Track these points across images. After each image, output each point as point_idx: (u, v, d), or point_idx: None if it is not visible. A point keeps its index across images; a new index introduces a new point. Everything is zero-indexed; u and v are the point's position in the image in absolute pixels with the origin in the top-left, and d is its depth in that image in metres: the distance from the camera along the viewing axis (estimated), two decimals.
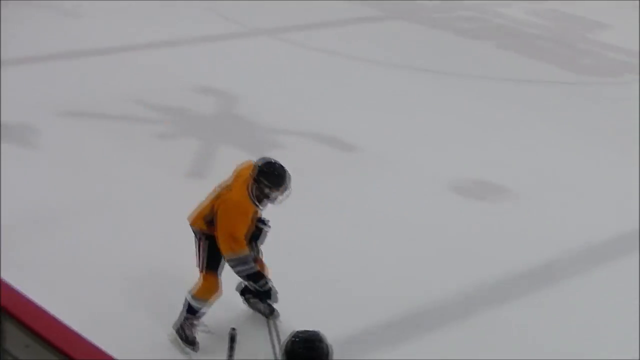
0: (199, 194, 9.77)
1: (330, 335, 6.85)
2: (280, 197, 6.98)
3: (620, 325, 8.05)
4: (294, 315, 7.46)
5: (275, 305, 7.47)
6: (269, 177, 6.93)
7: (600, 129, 12.62)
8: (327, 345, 4.54)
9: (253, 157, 10.69)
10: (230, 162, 10.62)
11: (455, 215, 9.85)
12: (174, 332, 7.29)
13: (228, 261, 6.93)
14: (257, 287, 7.07)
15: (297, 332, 4.56)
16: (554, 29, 17.86)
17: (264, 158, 7.14)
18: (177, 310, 7.32)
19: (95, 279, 8.15)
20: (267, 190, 6.91)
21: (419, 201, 10.08)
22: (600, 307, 8.32)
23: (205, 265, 7.11)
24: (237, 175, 7.14)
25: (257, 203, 6.98)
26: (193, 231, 7.19)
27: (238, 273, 7.01)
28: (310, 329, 4.65)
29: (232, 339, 5.35)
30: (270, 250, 8.58)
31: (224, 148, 11.13)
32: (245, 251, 6.92)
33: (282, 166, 7.04)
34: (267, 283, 7.05)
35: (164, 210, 9.39)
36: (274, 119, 12.08)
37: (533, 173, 11.01)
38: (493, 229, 9.60)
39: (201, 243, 7.11)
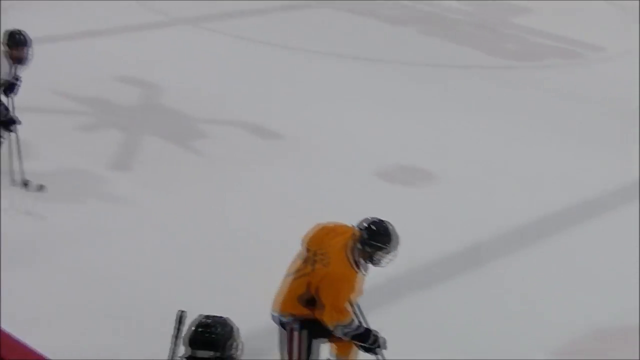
0: (124, 186, 9.69)
1: (253, 329, 6.84)
2: (388, 258, 6.26)
3: (547, 307, 8.08)
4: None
5: None
6: (382, 239, 6.15)
7: (525, 112, 12.68)
8: (230, 331, 4.44)
9: (178, 147, 10.75)
10: (155, 152, 10.61)
11: (383, 200, 9.80)
12: None
13: (333, 329, 6.25)
14: (366, 346, 6.36)
15: (202, 316, 4.46)
16: (476, 14, 17.94)
17: (368, 219, 6.31)
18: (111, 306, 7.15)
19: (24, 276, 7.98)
20: (378, 253, 6.18)
21: (346, 188, 10.02)
22: (528, 289, 8.34)
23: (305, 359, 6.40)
24: (327, 244, 6.32)
25: (359, 269, 6.30)
26: (281, 322, 6.32)
27: (344, 335, 6.32)
28: (218, 315, 4.52)
29: (180, 320, 5.07)
30: (196, 242, 8.54)
31: (148, 138, 10.99)
32: (350, 316, 6.28)
33: (390, 223, 6.28)
34: (376, 339, 6.34)
35: (90, 203, 9.25)
36: (198, 108, 11.95)
37: (459, 157, 11.03)
38: (420, 214, 9.58)
39: (295, 334, 6.26)
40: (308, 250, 6.37)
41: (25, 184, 9.19)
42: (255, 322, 6.90)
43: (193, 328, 4.44)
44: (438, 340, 7.50)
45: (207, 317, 4.47)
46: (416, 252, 8.77)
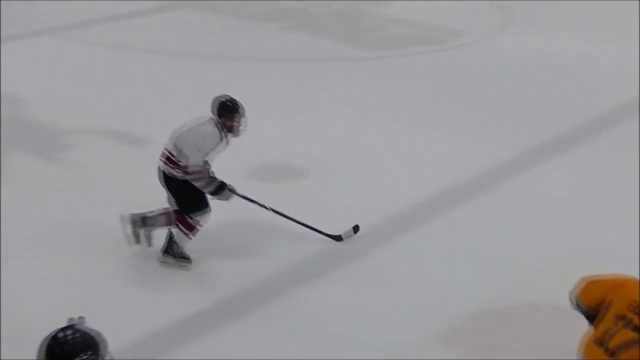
0: None
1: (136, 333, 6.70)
2: None
3: (429, 290, 8.11)
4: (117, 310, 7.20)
5: None
6: None
7: (392, 101, 12.78)
8: (82, 348, 4.19)
9: (44, 160, 10.48)
10: (21, 166, 10.37)
11: (260, 200, 9.75)
12: None
13: None
14: None
15: (60, 328, 4.23)
16: (338, 6, 18.02)
17: None
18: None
19: None
20: None
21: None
22: (415, 277, 8.35)
23: None
24: (628, 300, 5.66)
25: None
26: None
27: None
28: (84, 328, 4.27)
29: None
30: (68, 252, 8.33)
31: (14, 155, 10.69)
32: None
33: None
34: None
35: None
36: (63, 120, 11.71)
37: (334, 149, 11.03)
38: (299, 209, 9.52)
39: None
40: (613, 317, 5.66)
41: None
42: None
43: (48, 339, 4.16)
44: (320, 335, 7.46)
45: (65, 329, 4.22)
46: (300, 247, 8.76)
